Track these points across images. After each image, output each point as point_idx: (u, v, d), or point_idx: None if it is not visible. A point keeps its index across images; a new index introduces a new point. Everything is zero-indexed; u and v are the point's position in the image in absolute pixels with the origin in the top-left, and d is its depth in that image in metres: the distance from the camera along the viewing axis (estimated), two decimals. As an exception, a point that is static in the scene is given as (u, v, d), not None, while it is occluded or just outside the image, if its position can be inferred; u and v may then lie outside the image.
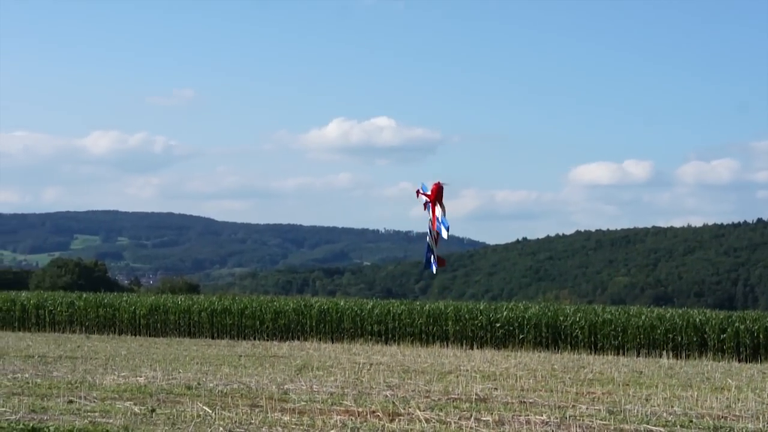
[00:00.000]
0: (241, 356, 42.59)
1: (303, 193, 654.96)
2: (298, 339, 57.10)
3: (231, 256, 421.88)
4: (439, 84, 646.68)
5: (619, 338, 53.30)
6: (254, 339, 57.64)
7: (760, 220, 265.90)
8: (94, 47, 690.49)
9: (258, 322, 58.96)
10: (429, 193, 31.58)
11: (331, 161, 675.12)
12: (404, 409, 18.38)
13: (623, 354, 52.30)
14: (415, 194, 32.22)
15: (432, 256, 32.53)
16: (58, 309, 62.47)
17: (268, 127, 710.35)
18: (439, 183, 31.66)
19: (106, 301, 62.75)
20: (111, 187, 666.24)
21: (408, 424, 16.47)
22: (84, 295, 65.21)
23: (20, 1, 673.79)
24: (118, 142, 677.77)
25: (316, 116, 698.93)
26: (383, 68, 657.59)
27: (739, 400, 21.68)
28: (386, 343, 55.82)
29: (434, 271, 33.29)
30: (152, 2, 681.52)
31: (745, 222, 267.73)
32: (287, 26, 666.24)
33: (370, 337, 56.73)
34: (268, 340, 56.91)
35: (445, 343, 55.01)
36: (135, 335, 59.65)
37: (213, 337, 58.60)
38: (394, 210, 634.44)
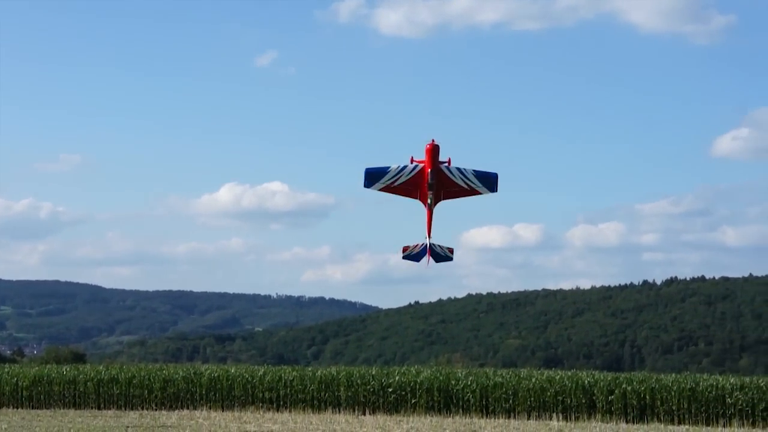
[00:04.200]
0: (128, 427, 41.73)
1: (194, 258, 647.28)
2: (188, 408, 56.10)
3: (119, 323, 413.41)
4: (332, 148, 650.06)
5: (510, 401, 53.71)
6: (142, 409, 56.44)
7: (645, 282, 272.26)
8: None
9: (146, 392, 57.78)
10: (423, 159, 28.69)
11: (223, 226, 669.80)
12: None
13: (514, 417, 52.65)
14: (409, 161, 29.37)
15: (423, 248, 30.27)
16: (-65, 382, 60.19)
17: (159, 192, 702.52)
18: (432, 142, 29.07)
19: (-14, 372, 60.73)
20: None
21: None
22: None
23: None
24: (3, 209, 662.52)
25: (207, 181, 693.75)
26: (276, 133, 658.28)
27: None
28: (278, 410, 55.22)
29: (451, 256, 30.49)
30: (36, 67, 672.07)
31: (631, 284, 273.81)
32: (179, 90, 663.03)
33: (261, 404, 56.08)
34: (156, 410, 55.77)
35: (337, 409, 54.70)
36: (17, 408, 57.80)
37: (99, 408, 57.20)
38: (287, 275, 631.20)
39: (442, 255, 30.77)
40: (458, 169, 29.55)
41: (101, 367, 62.90)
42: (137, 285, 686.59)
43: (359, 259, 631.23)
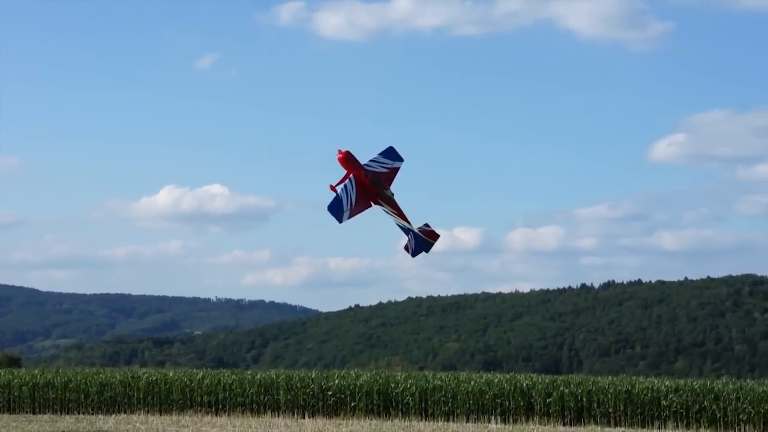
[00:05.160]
0: (63, 431, 41.30)
1: (132, 261, 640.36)
2: (125, 412, 55.62)
3: (56, 327, 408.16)
4: (273, 152, 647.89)
5: (450, 404, 53.98)
6: (78, 413, 55.88)
7: (584, 286, 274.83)
8: None
9: (83, 396, 57.20)
10: (345, 177, 28.89)
11: (162, 229, 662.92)
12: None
13: (453, 420, 52.95)
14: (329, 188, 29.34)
15: (414, 242, 29.81)
16: None
17: (97, 195, 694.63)
18: (340, 151, 29.49)
19: None
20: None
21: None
22: None
23: None
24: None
25: (146, 183, 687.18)
26: (216, 135, 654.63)
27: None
28: (216, 414, 54.96)
29: (428, 250, 30.22)
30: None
31: (570, 287, 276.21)
32: (118, 93, 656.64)
33: (200, 408, 55.76)
34: (93, 414, 55.24)
35: (276, 412, 54.58)
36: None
37: (35, 412, 56.53)
38: (227, 278, 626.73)
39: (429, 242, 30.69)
40: (370, 161, 30.18)
41: (37, 371, 62.16)
42: (74, 288, 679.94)
43: (299, 263, 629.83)
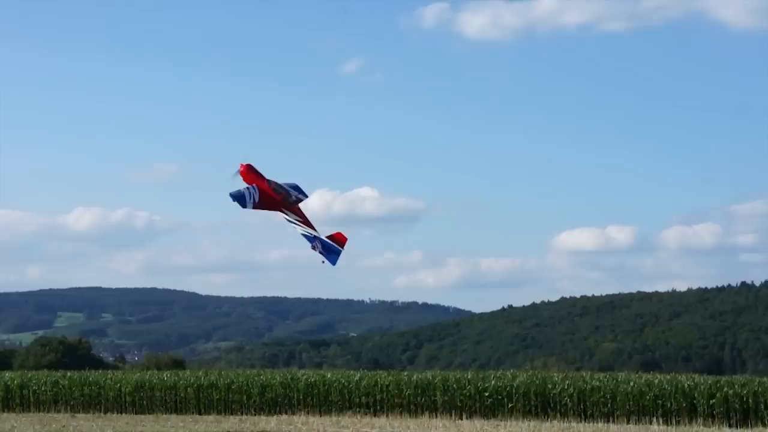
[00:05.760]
0: (228, 432, 42.39)
1: (287, 264, 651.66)
2: (286, 413, 56.72)
3: (216, 330, 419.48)
4: (421, 153, 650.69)
5: (609, 405, 53.16)
6: (241, 414, 57.26)
7: (744, 284, 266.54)
8: (75, 125, 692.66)
9: (245, 397, 58.56)
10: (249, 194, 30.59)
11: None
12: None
13: (613, 421, 52.12)
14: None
15: (320, 244, 30.49)
16: (42, 388, 61.86)
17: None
18: (242, 165, 31.18)
19: (91, 379, 62.20)
20: (94, 264, 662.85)
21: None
22: (69, 374, 64.59)
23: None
24: (101, 219, 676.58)
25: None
26: (366, 139, 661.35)
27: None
28: (375, 415, 55.51)
29: (334, 263, 31.00)
30: (131, 78, 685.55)
31: (729, 285, 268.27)
32: (268, 98, 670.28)
33: (358, 409, 56.41)
34: (255, 415, 56.54)
35: (434, 413, 54.77)
36: (121, 413, 59.12)
37: (200, 413, 58.15)
38: (380, 280, 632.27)
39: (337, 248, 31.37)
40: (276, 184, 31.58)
41: (200, 373, 63.92)
42: (232, 291, 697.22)
43: (451, 264, 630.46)
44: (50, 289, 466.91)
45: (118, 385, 60.72)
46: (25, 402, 61.82)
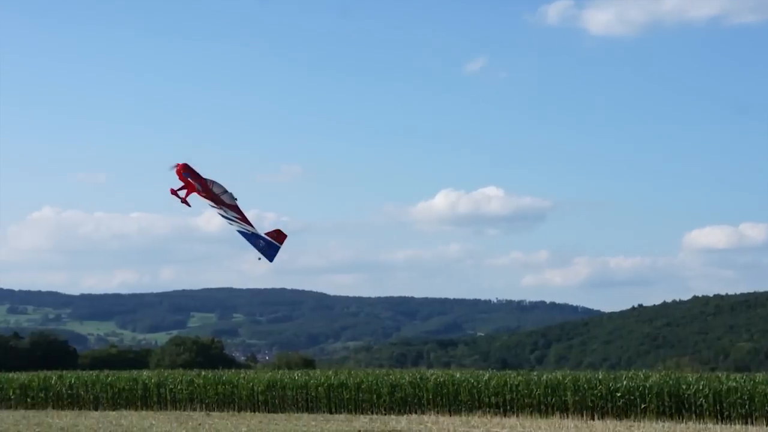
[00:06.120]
0: (359, 431, 42.61)
1: (413, 265, 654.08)
2: (415, 412, 56.87)
3: (344, 329, 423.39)
4: (547, 152, 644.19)
5: (747, 406, 51.72)
6: (371, 413, 57.64)
7: None
8: (205, 130, 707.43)
9: (375, 396, 58.90)
10: (182, 187, 30.66)
11: (440, 232, 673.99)
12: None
13: (752, 423, 50.69)
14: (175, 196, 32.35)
15: (261, 242, 30.63)
16: (179, 387, 63.41)
17: (375, 200, 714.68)
18: (178, 164, 30.97)
19: (224, 378, 63.48)
20: (225, 265, 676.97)
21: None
22: (203, 373, 66.10)
23: (136, 91, 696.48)
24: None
25: (423, 188, 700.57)
26: (490, 138, 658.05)
27: None
28: (504, 415, 55.21)
29: (272, 259, 31.22)
30: (259, 83, 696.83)
31: None
32: (392, 98, 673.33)
33: (487, 409, 56.18)
34: (385, 414, 56.85)
35: (564, 413, 54.18)
36: (254, 411, 60.15)
37: (330, 412, 58.76)
38: (506, 279, 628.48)
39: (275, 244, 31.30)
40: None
41: (330, 373, 64.59)
42: (360, 292, 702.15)
43: (578, 263, 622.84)
44: (183, 290, 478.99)
45: (251, 384, 61.81)
46: (162, 400, 63.47)
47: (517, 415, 54.83)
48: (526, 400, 55.85)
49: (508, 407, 56.12)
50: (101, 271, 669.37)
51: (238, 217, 30.68)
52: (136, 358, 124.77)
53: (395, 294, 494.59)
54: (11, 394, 66.33)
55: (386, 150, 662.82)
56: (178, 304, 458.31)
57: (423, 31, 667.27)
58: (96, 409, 63.06)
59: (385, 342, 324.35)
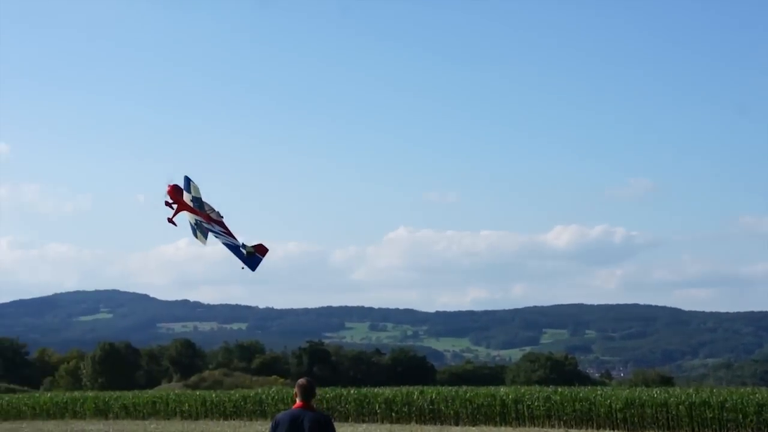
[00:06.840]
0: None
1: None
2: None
3: (701, 346, 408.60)
4: None
5: None
6: (739, 434, 55.22)
7: None
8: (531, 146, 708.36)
9: (740, 416, 56.35)
10: (170, 201, 31.76)
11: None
12: None
13: None
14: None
15: (243, 253, 31.17)
16: (536, 403, 63.73)
17: (731, 212, 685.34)
18: (169, 185, 31.86)
19: (581, 395, 63.06)
20: (575, 281, 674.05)
21: None
22: (559, 389, 65.99)
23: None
24: (579, 236, 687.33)
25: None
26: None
27: None
28: None
29: (254, 269, 31.12)
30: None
31: None
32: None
33: None
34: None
35: None
36: (612, 429, 59.37)
37: (693, 431, 56.90)
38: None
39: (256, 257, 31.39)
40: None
41: (691, 390, 62.48)
42: (716, 307, 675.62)
43: None
44: (535, 306, 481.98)
45: (608, 401, 61.02)
46: (520, 416, 64.01)
47: None
48: None
49: None
50: (454, 288, 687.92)
51: (224, 231, 32.63)
52: (492, 374, 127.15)
53: (756, 309, 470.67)
54: (377, 408, 69.34)
55: (737, 160, 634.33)
56: (530, 320, 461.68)
57: None
58: (457, 424, 64.65)
59: (747, 359, 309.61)
